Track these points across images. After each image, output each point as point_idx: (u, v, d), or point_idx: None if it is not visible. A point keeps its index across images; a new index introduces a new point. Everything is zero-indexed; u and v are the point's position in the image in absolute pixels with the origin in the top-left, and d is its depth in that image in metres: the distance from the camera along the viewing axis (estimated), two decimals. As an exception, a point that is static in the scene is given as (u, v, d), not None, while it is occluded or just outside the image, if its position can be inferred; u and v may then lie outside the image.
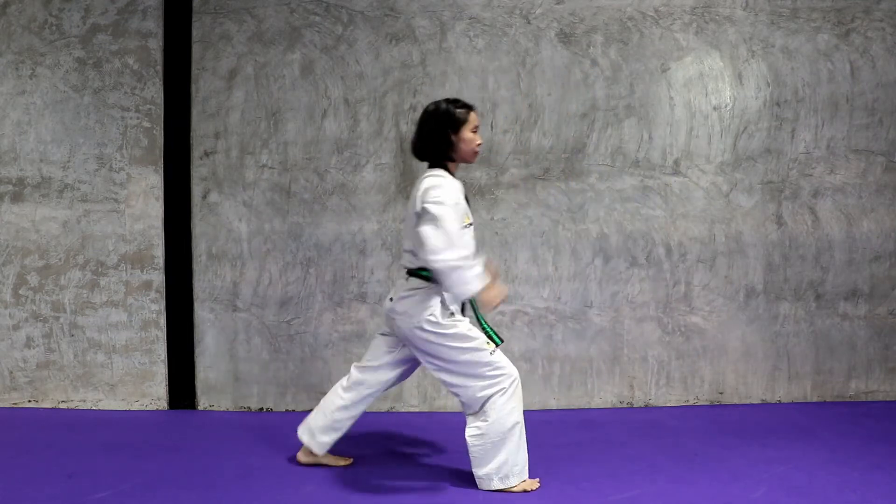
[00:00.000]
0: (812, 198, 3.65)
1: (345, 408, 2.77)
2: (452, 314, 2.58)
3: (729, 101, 3.61)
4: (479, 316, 2.65)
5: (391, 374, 2.77)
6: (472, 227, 2.60)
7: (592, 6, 3.58)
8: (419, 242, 2.45)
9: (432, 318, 2.54)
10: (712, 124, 3.62)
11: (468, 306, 2.67)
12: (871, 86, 3.62)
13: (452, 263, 2.39)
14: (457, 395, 2.62)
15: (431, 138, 2.59)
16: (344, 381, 2.81)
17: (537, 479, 2.65)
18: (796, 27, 3.61)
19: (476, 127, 2.61)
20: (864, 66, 3.62)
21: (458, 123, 2.57)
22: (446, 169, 2.60)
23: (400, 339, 2.68)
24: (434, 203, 2.44)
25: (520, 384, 2.60)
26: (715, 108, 3.62)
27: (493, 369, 2.54)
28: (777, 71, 3.61)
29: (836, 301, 3.67)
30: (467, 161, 2.64)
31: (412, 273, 2.61)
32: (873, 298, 3.68)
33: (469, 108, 2.60)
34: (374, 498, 2.54)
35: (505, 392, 2.54)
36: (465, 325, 2.58)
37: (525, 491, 2.58)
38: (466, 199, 2.61)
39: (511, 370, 2.58)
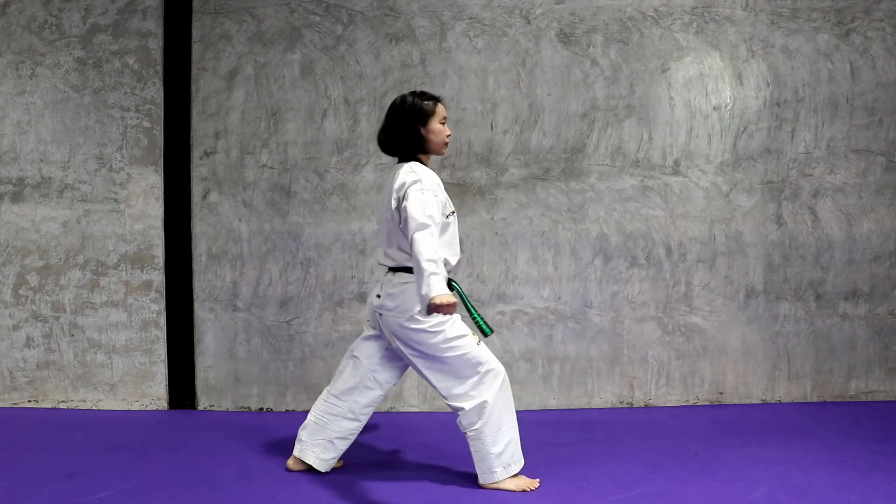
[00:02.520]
0: (812, 198, 3.65)
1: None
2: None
3: (729, 101, 3.61)
4: (469, 305, 2.59)
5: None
6: (454, 215, 2.59)
7: (592, 6, 3.58)
8: (405, 230, 2.41)
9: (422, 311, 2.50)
10: (712, 124, 3.62)
11: (458, 296, 2.59)
12: (871, 86, 3.62)
13: (429, 244, 2.31)
14: (444, 396, 2.59)
15: (400, 132, 2.56)
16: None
17: (538, 479, 2.65)
18: (796, 27, 3.61)
19: (444, 118, 2.58)
20: (864, 66, 3.62)
21: (426, 116, 2.54)
22: (419, 161, 2.58)
23: (386, 338, 2.65)
24: (416, 189, 2.41)
25: (507, 380, 2.60)
26: (715, 108, 3.62)
27: (480, 368, 2.54)
28: (777, 71, 3.61)
29: (836, 301, 3.67)
30: (437, 153, 2.62)
31: (396, 270, 2.59)
32: (873, 298, 3.68)
33: (436, 99, 2.58)
34: (374, 498, 2.54)
35: (492, 389, 2.54)
36: (454, 320, 2.56)
37: (525, 490, 2.59)
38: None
39: (497, 368, 2.57)
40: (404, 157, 2.60)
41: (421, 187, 2.42)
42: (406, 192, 2.43)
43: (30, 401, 3.62)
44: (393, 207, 2.51)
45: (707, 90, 3.61)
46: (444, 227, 2.53)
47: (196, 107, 3.57)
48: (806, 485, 2.61)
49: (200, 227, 3.60)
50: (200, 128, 3.58)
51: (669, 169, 3.61)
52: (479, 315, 2.59)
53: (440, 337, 2.52)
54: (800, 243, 3.65)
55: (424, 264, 2.26)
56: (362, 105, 3.58)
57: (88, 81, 3.56)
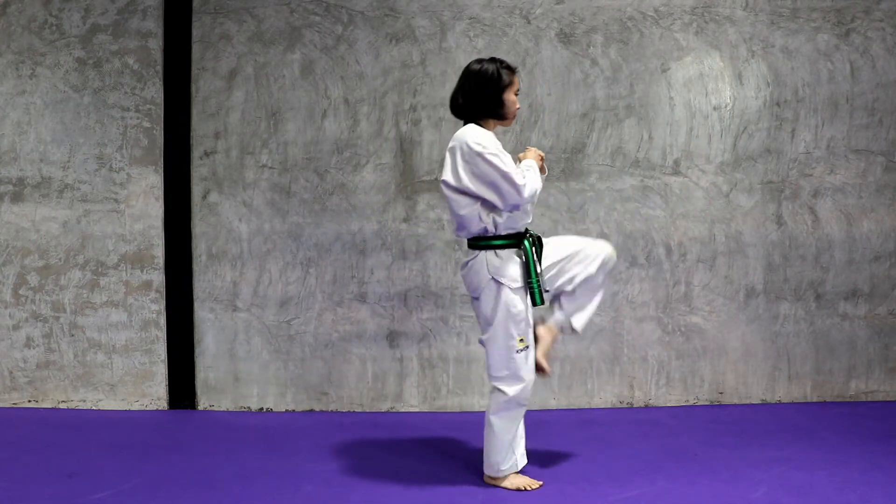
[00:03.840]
0: (812, 198, 3.65)
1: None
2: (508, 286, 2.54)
3: (729, 101, 3.61)
4: (532, 267, 2.54)
5: None
6: None
7: (592, 6, 3.58)
8: (488, 196, 2.49)
9: (494, 278, 2.53)
10: (712, 124, 3.62)
11: (526, 254, 2.57)
12: (871, 86, 3.62)
13: (523, 184, 2.48)
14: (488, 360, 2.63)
15: (477, 97, 2.55)
16: None
17: (540, 481, 2.65)
18: (796, 27, 3.61)
19: (518, 90, 2.60)
20: (864, 66, 3.62)
21: (504, 84, 2.55)
22: (480, 125, 2.58)
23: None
24: (480, 152, 2.46)
25: (523, 405, 2.60)
26: (715, 108, 3.62)
27: (513, 365, 2.55)
28: (777, 71, 3.61)
29: (836, 301, 3.67)
30: (505, 122, 2.63)
31: (469, 244, 2.63)
32: (873, 298, 3.68)
33: (514, 69, 2.59)
34: (374, 498, 2.54)
35: (507, 400, 2.56)
36: (520, 302, 2.54)
37: (525, 489, 2.59)
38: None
39: (524, 386, 2.56)
40: (471, 121, 2.60)
41: (482, 151, 2.46)
42: (471, 158, 2.48)
43: (30, 401, 3.62)
44: (448, 170, 2.55)
45: (707, 90, 3.61)
46: None
47: (196, 107, 3.57)
48: (806, 485, 2.61)
49: (200, 227, 3.60)
50: (200, 128, 3.58)
51: (669, 169, 3.61)
52: (536, 280, 2.54)
53: (499, 306, 2.53)
54: (800, 243, 3.65)
55: (530, 185, 2.51)
56: (362, 105, 3.58)
57: (88, 81, 3.56)
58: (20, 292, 3.60)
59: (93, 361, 3.61)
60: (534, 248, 2.58)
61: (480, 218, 2.53)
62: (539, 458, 2.83)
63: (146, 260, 3.59)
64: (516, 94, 2.59)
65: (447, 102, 3.49)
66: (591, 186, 3.60)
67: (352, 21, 3.56)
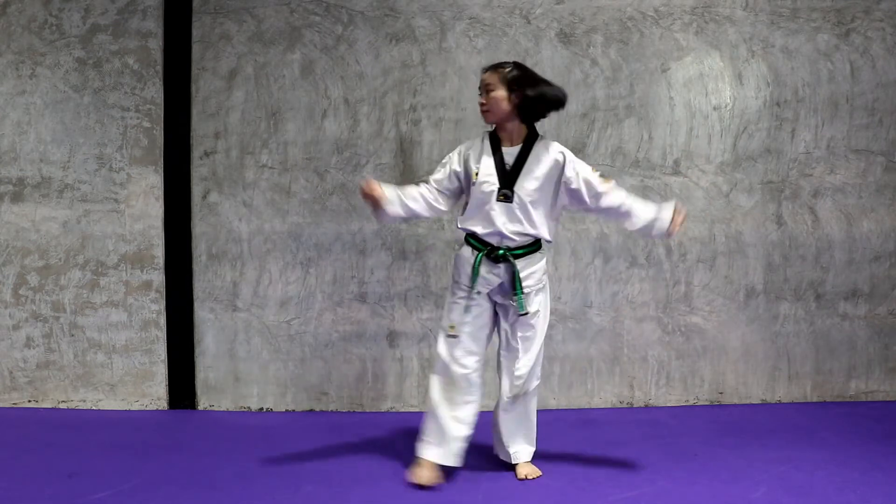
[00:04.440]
0: (812, 198, 3.65)
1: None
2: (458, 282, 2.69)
3: (729, 101, 3.61)
4: (518, 281, 2.59)
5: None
6: (484, 184, 2.60)
7: (592, 6, 3.58)
8: None
9: (455, 273, 2.72)
10: (712, 124, 3.62)
11: (512, 268, 2.61)
12: (871, 86, 3.62)
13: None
14: None
15: None
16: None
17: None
18: (796, 27, 3.61)
19: (479, 86, 2.66)
20: (864, 66, 3.62)
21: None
22: (491, 131, 2.70)
23: None
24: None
25: (447, 382, 2.70)
26: (715, 108, 3.62)
27: (440, 346, 2.71)
28: (777, 71, 3.61)
29: (836, 301, 3.67)
30: (485, 122, 2.70)
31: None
32: (873, 298, 3.68)
33: (485, 70, 2.66)
34: (374, 498, 2.54)
35: (433, 375, 2.74)
36: (465, 296, 2.65)
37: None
38: (500, 156, 2.63)
39: (445, 365, 2.68)
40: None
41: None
42: None
43: (30, 401, 3.62)
44: None
45: (707, 90, 3.61)
46: (471, 193, 2.64)
47: (196, 107, 3.57)
48: (806, 485, 2.61)
49: (200, 227, 3.60)
50: (200, 128, 3.58)
51: (669, 169, 3.61)
52: (521, 293, 2.60)
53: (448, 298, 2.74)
54: (800, 243, 3.65)
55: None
56: (362, 105, 3.58)
57: (88, 81, 3.56)
58: (20, 292, 3.60)
59: (93, 361, 3.61)
60: (486, 266, 2.61)
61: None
62: (539, 458, 2.83)
63: (146, 260, 3.59)
64: (480, 93, 2.65)
65: (447, 102, 3.54)
66: (591, 186, 3.60)
67: (352, 21, 3.56)
